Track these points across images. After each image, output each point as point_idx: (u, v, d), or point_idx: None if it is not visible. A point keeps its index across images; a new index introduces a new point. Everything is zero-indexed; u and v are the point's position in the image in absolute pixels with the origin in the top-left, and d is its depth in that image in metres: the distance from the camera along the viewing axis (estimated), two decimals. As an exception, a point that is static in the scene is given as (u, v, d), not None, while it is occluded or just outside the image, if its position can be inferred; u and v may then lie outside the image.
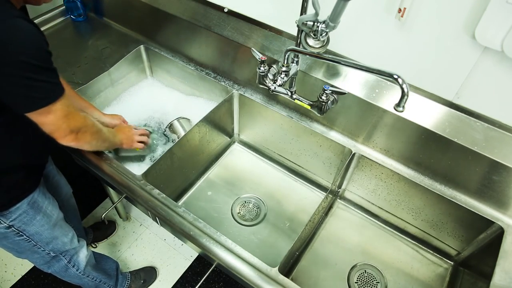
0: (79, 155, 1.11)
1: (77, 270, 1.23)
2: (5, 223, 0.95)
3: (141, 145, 1.17)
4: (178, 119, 1.32)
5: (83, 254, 1.24)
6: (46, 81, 0.74)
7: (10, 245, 1.04)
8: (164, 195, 1.02)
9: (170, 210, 0.99)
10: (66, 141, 0.86)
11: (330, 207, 1.32)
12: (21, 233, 1.00)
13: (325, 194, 1.16)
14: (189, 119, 1.35)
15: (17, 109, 0.76)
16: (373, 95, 1.04)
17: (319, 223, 1.27)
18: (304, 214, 1.30)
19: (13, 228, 0.98)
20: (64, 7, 1.57)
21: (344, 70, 1.09)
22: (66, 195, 1.34)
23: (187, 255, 1.71)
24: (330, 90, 0.98)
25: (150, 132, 1.26)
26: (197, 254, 1.71)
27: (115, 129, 1.12)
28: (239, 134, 1.48)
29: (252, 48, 1.04)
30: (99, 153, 1.10)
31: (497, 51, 0.80)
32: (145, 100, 1.46)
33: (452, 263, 1.19)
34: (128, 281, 1.53)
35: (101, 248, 1.73)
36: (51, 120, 0.79)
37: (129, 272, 1.58)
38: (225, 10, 1.24)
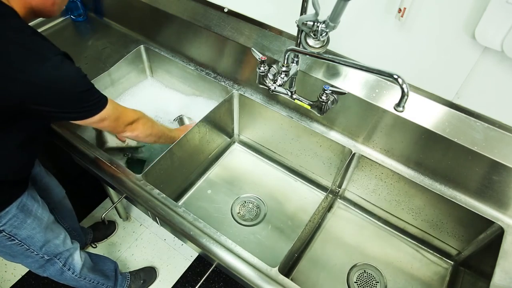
0: (79, 155, 1.11)
1: (73, 273, 1.22)
2: None
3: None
4: (184, 115, 1.35)
5: (78, 257, 1.22)
6: (92, 98, 0.87)
7: (3, 249, 1.03)
8: (164, 195, 1.02)
9: (170, 210, 0.99)
10: (126, 135, 1.04)
11: (330, 207, 1.32)
12: (12, 238, 1.00)
13: (325, 194, 1.16)
14: (191, 118, 1.35)
15: (71, 120, 0.90)
16: (373, 95, 1.04)
17: (319, 223, 1.27)
18: (304, 214, 1.30)
19: (4, 233, 0.97)
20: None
21: (344, 70, 1.09)
22: (58, 196, 1.32)
23: (187, 255, 1.71)
24: (330, 90, 0.98)
25: None
26: (197, 254, 1.71)
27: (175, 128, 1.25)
28: (239, 134, 1.48)
29: (252, 48, 1.04)
30: (99, 153, 1.10)
31: (497, 51, 0.80)
32: (145, 100, 1.46)
33: (452, 263, 1.19)
34: (127, 282, 1.53)
35: (101, 248, 1.73)
36: (107, 124, 0.94)
37: (129, 272, 1.58)
38: (225, 10, 1.24)
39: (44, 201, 1.09)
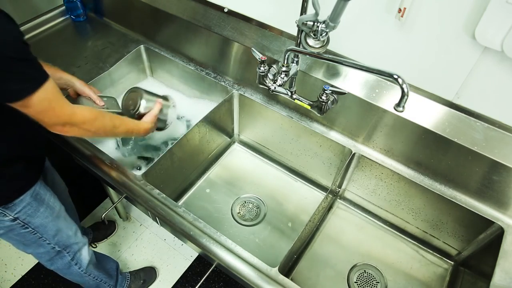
0: (79, 155, 1.11)
1: (79, 268, 1.24)
2: (11, 215, 0.96)
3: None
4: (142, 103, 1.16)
5: (86, 252, 1.24)
6: (22, 72, 0.72)
7: (17, 238, 1.04)
8: (164, 195, 1.02)
9: (170, 210, 0.99)
10: (54, 131, 0.85)
11: (330, 207, 1.32)
12: (26, 225, 1.01)
13: (325, 194, 1.16)
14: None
15: None
16: (373, 95, 1.04)
17: (319, 223, 1.27)
18: (304, 214, 1.30)
19: (18, 221, 0.98)
20: (64, 7, 1.57)
21: (344, 70, 1.09)
22: (63, 192, 1.34)
23: (187, 255, 1.71)
24: (330, 90, 0.98)
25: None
26: (197, 254, 1.71)
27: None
28: (239, 134, 1.48)
29: (252, 48, 1.04)
30: (99, 153, 1.10)
31: (497, 51, 0.80)
32: (145, 100, 1.46)
33: (452, 263, 1.19)
34: (127, 282, 1.53)
35: (101, 248, 1.73)
36: (30, 113, 0.77)
37: (129, 272, 1.58)
38: (225, 10, 1.24)
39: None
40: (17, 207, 0.96)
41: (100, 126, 0.92)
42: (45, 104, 0.77)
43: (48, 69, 1.03)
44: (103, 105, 1.13)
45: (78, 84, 1.11)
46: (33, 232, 1.04)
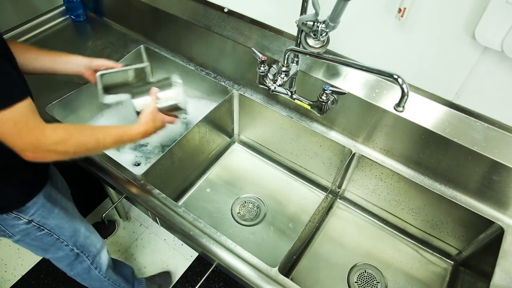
0: (79, 155, 1.11)
1: (99, 272, 1.22)
2: (25, 218, 0.95)
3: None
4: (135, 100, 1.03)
5: (105, 256, 1.23)
6: None
7: (34, 243, 1.03)
8: (164, 195, 1.02)
9: (170, 210, 0.99)
10: (28, 159, 0.74)
11: (330, 207, 1.32)
12: (42, 227, 0.99)
13: (325, 194, 1.16)
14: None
15: None
16: (373, 95, 1.04)
17: (319, 223, 1.27)
18: (304, 214, 1.30)
19: (33, 223, 0.97)
20: (64, 7, 1.57)
21: (344, 70, 1.09)
22: (66, 194, 1.33)
23: (187, 255, 1.71)
24: (330, 90, 0.98)
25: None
26: (197, 254, 1.71)
27: (139, 121, 0.93)
28: (239, 134, 1.48)
29: (252, 48, 1.04)
30: (99, 153, 1.10)
31: (497, 51, 0.80)
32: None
33: (452, 263, 1.19)
34: (143, 287, 1.51)
35: (101, 248, 1.73)
36: None
37: (144, 277, 1.56)
38: (225, 10, 1.24)
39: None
40: (30, 209, 0.95)
41: (79, 144, 0.80)
42: (9, 125, 0.68)
43: (52, 55, 1.00)
44: (124, 68, 1.04)
45: (93, 62, 1.02)
46: (50, 234, 1.02)
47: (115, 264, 1.35)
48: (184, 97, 1.01)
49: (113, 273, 1.30)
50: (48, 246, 1.06)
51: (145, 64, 1.07)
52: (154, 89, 0.97)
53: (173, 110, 1.00)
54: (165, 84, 1.01)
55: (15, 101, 0.67)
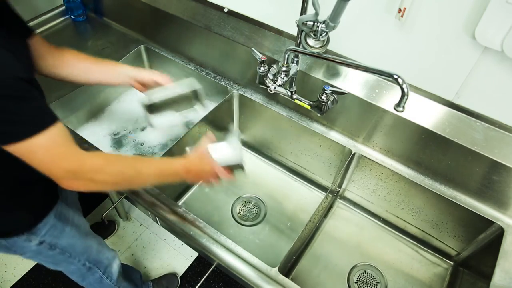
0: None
1: (110, 281, 1.21)
2: (36, 240, 0.92)
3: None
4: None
5: (116, 265, 1.22)
6: (12, 112, 0.61)
7: (46, 259, 1.01)
8: (164, 195, 1.02)
9: (170, 210, 0.99)
10: (67, 187, 0.71)
11: (330, 207, 1.32)
12: (54, 247, 0.96)
13: (325, 194, 1.16)
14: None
15: None
16: (373, 95, 1.04)
17: (319, 223, 1.27)
18: (304, 214, 1.30)
19: (45, 243, 0.94)
20: (64, 7, 1.57)
21: (344, 70, 1.09)
22: (76, 204, 1.27)
23: (187, 255, 1.71)
24: (330, 90, 0.98)
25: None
26: (197, 254, 1.71)
27: (184, 158, 0.86)
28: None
29: (252, 48, 1.04)
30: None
31: (497, 51, 0.80)
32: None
33: (452, 263, 1.19)
34: None
35: (101, 248, 1.73)
36: (35, 163, 0.66)
37: (151, 280, 1.55)
38: (225, 10, 1.24)
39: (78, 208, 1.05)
40: (41, 230, 0.91)
41: (118, 173, 0.76)
42: (42, 152, 0.65)
43: (101, 65, 0.98)
44: (177, 90, 0.97)
45: (139, 74, 1.00)
46: (62, 252, 1.00)
47: (124, 270, 1.33)
48: (241, 152, 0.91)
49: (123, 279, 1.30)
50: (60, 262, 1.05)
51: (198, 87, 1.00)
52: (210, 135, 0.93)
53: (230, 167, 0.92)
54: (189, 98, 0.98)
55: (45, 127, 0.64)
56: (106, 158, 0.76)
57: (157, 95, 0.98)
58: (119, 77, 1.00)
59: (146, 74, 1.01)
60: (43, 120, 0.65)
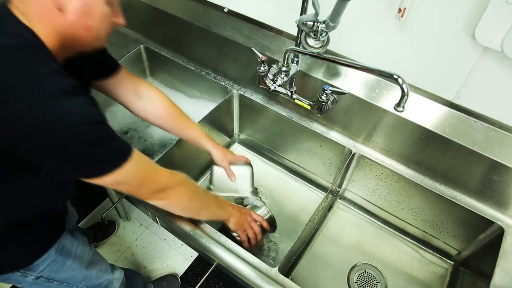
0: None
1: None
2: (33, 275, 0.87)
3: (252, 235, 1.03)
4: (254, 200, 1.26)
5: (117, 279, 1.18)
6: (103, 152, 0.65)
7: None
8: (164, 195, 1.02)
9: (170, 210, 0.99)
10: (152, 202, 0.80)
11: (330, 207, 1.32)
12: (51, 280, 0.92)
13: (325, 194, 1.16)
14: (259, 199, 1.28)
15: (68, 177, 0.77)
16: (373, 95, 1.04)
17: (319, 223, 1.27)
18: (304, 214, 1.30)
19: (42, 278, 0.89)
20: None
21: (344, 70, 1.09)
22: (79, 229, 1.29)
23: (187, 255, 1.71)
24: (330, 90, 0.98)
25: (269, 224, 1.09)
26: (197, 254, 1.71)
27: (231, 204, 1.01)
28: (239, 134, 1.48)
29: (252, 48, 1.04)
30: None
31: (497, 51, 0.80)
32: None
33: (452, 263, 1.19)
34: None
35: (101, 248, 1.73)
36: (125, 189, 0.73)
37: (151, 282, 1.54)
38: (225, 10, 1.24)
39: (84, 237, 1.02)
40: (39, 266, 0.86)
41: (193, 190, 0.87)
42: (142, 174, 0.73)
43: (191, 135, 1.11)
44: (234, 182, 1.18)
45: (216, 156, 1.14)
46: (60, 283, 0.95)
47: (126, 276, 1.29)
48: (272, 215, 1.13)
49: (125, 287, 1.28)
50: None
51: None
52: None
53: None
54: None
55: (127, 157, 0.68)
56: (183, 175, 0.85)
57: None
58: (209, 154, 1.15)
59: (218, 159, 1.16)
60: (123, 151, 0.69)
